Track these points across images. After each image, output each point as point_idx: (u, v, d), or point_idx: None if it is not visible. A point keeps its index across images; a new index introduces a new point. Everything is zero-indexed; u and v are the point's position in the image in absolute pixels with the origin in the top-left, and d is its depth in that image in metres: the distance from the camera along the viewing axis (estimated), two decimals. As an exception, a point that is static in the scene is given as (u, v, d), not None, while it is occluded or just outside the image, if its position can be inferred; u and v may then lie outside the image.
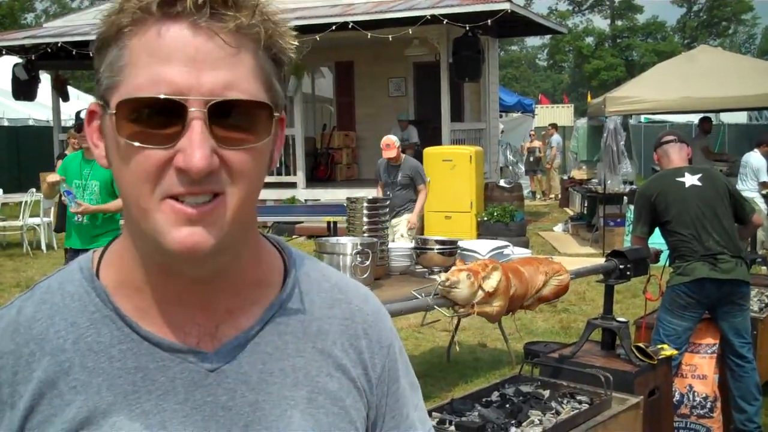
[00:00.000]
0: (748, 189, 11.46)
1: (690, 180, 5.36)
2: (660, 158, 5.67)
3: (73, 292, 1.06)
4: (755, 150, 12.40)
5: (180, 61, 0.93)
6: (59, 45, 16.83)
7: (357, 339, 1.15)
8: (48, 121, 21.60)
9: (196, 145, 0.92)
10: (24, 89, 18.31)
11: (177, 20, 0.94)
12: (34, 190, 14.73)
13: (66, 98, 19.46)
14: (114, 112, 0.95)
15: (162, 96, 0.93)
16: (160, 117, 0.93)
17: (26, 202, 14.46)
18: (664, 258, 5.76)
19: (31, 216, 14.63)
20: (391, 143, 9.53)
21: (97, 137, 1.03)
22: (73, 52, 16.44)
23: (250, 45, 0.98)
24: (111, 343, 1.03)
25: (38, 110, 24.06)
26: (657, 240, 5.56)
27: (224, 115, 0.95)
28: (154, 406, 1.01)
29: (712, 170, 5.78)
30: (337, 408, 1.09)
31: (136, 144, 0.94)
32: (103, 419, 1.00)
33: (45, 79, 19.54)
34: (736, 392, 5.31)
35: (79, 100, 26.13)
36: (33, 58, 17.58)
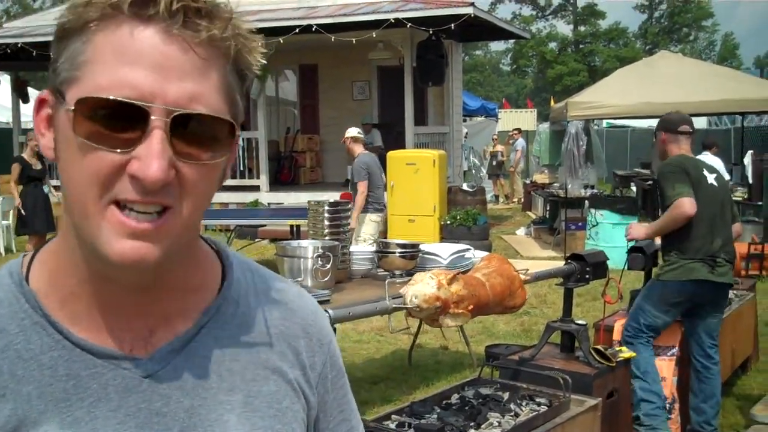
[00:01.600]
0: None
1: (710, 178, 5.34)
2: (667, 143, 5.49)
3: (2, 298, 1.03)
4: (706, 153, 12.63)
5: (147, 66, 0.91)
6: (19, 46, 16.64)
7: (295, 339, 1.15)
8: (8, 123, 21.31)
9: (154, 155, 0.90)
10: (-17, 91, 18.10)
11: (148, 23, 0.91)
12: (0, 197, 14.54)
13: (26, 100, 19.22)
14: (72, 108, 0.91)
15: (126, 100, 0.90)
16: (119, 120, 0.90)
17: (-15, 204, 14.27)
18: (620, 261, 5.82)
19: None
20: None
21: (45, 126, 0.99)
22: (34, 53, 16.25)
23: (219, 58, 0.96)
24: (41, 350, 1.00)
25: (-2, 112, 23.77)
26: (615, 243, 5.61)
27: (185, 127, 0.92)
28: (86, 413, 0.99)
29: (720, 171, 5.72)
30: (274, 410, 1.09)
31: (92, 144, 0.91)
32: (33, 428, 0.97)
33: (5, 81, 19.31)
34: (699, 394, 5.36)
35: (40, 102, 25.85)
36: (-8, 59, 17.38)
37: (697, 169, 5.34)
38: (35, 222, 12.01)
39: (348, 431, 1.22)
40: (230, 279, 1.13)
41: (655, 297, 5.34)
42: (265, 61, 1.03)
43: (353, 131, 10.86)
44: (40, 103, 1.00)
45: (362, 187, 10.41)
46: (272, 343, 1.12)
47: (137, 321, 1.04)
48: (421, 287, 3.55)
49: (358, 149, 10.77)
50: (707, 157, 12.41)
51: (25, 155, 12.18)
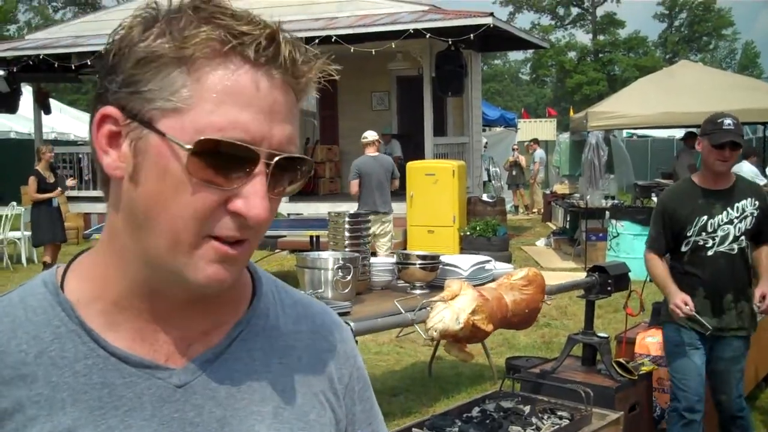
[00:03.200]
0: None
1: None
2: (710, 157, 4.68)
3: (36, 306, 1.04)
4: (745, 161, 12.60)
5: (258, 109, 0.94)
6: (41, 57, 16.75)
7: (322, 353, 1.17)
8: (30, 134, 21.47)
9: (260, 196, 0.94)
10: (5, 102, 18.16)
11: (258, 68, 0.95)
12: (14, 203, 14.64)
13: (48, 111, 19.35)
14: (191, 147, 0.92)
15: (242, 143, 0.93)
16: (230, 160, 0.93)
17: (6, 215, 14.37)
18: (642, 272, 5.78)
19: (11, 230, 14.54)
20: None
21: (107, 143, 0.99)
22: (55, 65, 16.37)
23: (296, 99, 1.01)
24: (76, 357, 1.01)
25: (20, 123, 23.92)
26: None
27: (281, 167, 0.97)
28: (120, 422, 1.00)
29: None
30: (302, 423, 1.10)
31: (204, 183, 0.94)
32: None
33: (27, 92, 19.44)
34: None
35: (62, 113, 26.06)
36: (15, 70, 17.47)
37: None
38: (48, 233, 12.16)
39: None
40: (260, 293, 1.16)
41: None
42: (318, 95, 1.09)
43: (367, 135, 11.86)
44: (104, 119, 0.99)
45: (351, 186, 11.55)
46: (300, 356, 1.15)
47: (177, 333, 1.06)
48: (449, 323, 3.57)
49: (366, 151, 11.69)
50: (746, 165, 12.37)
51: (39, 168, 12.27)
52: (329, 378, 1.16)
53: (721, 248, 4.63)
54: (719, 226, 4.63)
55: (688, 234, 4.67)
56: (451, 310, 3.60)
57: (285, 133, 0.96)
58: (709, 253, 4.64)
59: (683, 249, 4.72)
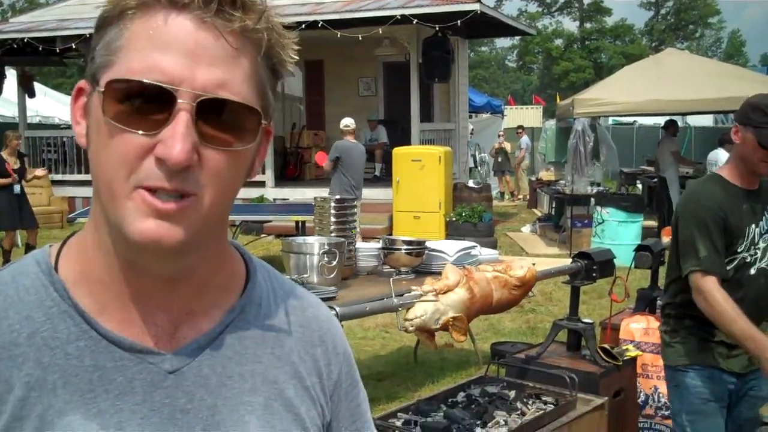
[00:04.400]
0: None
1: None
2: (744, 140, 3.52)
3: (29, 286, 1.03)
4: (720, 148, 12.61)
5: (178, 51, 0.93)
6: (25, 41, 16.63)
7: (313, 347, 1.16)
8: (14, 118, 21.34)
9: (178, 137, 0.91)
10: (-11, 85, 18.10)
11: (182, 11, 0.94)
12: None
13: (32, 95, 19.27)
14: (102, 90, 0.93)
15: (151, 81, 0.92)
16: (148, 103, 0.92)
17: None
18: (627, 259, 5.80)
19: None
20: None
21: (80, 115, 1.01)
22: (40, 48, 16.26)
23: (251, 49, 0.98)
24: (68, 339, 1.00)
25: (4, 106, 23.79)
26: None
27: (212, 113, 0.94)
28: (110, 405, 0.99)
29: None
30: (292, 415, 1.09)
31: (119, 125, 0.92)
32: (58, 417, 0.97)
33: (11, 75, 19.31)
34: None
35: (46, 97, 25.89)
36: (-1, 53, 17.37)
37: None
38: (6, 219, 12.05)
39: None
40: (254, 281, 1.15)
41: None
42: (297, 58, 1.05)
43: (344, 121, 11.93)
44: (78, 92, 1.02)
45: (326, 165, 11.72)
46: (292, 348, 1.13)
47: (162, 314, 1.04)
48: (427, 321, 3.59)
49: (346, 137, 11.81)
50: (722, 153, 12.40)
51: (4, 153, 12.17)
52: (318, 373, 1.15)
53: (763, 263, 3.58)
54: (761, 235, 3.59)
55: (739, 249, 3.53)
56: (435, 308, 3.61)
57: (212, 77, 0.94)
58: (752, 271, 3.56)
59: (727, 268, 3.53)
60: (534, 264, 4.35)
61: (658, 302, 5.57)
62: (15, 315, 1.01)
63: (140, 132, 0.92)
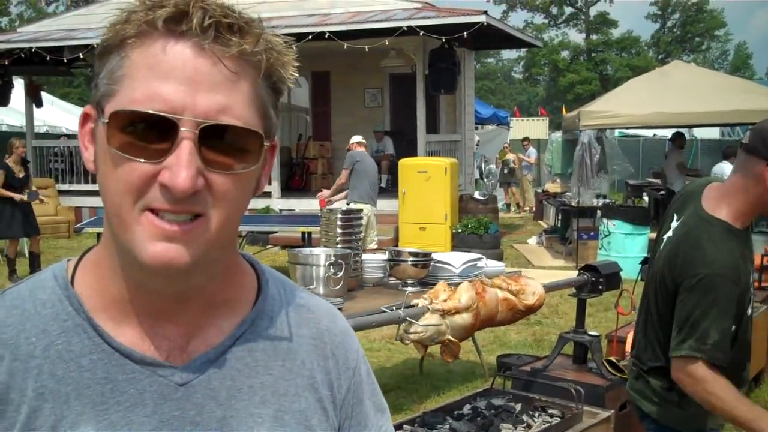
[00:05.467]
0: None
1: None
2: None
3: (45, 300, 1.05)
4: (725, 161, 12.58)
5: (178, 79, 0.94)
6: (33, 50, 16.69)
7: (325, 359, 1.16)
8: (21, 127, 21.41)
9: (183, 165, 0.93)
10: (-3, 94, 18.15)
11: (180, 39, 0.95)
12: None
13: (39, 104, 19.31)
14: (107, 121, 0.95)
15: (154, 112, 0.93)
16: (151, 132, 0.94)
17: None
18: (633, 271, 5.78)
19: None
20: None
21: (88, 140, 1.03)
22: (47, 58, 16.31)
23: (250, 72, 0.99)
24: (81, 352, 1.02)
25: (11, 116, 23.85)
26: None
27: (215, 138, 0.96)
28: (121, 417, 1.00)
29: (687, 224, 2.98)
30: (303, 428, 1.10)
31: (124, 155, 0.94)
32: (71, 429, 0.99)
33: (18, 85, 19.38)
34: None
35: (53, 107, 25.95)
36: (6, 63, 17.40)
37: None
38: (12, 228, 12.05)
39: None
40: (265, 294, 1.15)
41: None
42: (296, 75, 1.06)
43: (356, 138, 12.20)
44: (85, 117, 1.03)
45: (342, 174, 11.80)
46: (304, 361, 1.14)
47: (173, 329, 1.06)
48: (425, 339, 3.62)
49: (357, 149, 11.98)
50: (727, 167, 12.36)
51: (9, 161, 12.18)
52: (330, 386, 1.15)
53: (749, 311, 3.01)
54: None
55: (749, 311, 2.99)
56: (437, 330, 3.63)
57: (212, 102, 0.95)
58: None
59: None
60: (541, 283, 4.36)
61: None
62: (32, 328, 1.03)
63: (144, 161, 0.94)
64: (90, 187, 17.59)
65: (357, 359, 1.22)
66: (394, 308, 3.71)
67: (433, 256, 5.27)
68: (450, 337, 3.67)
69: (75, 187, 18.28)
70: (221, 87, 0.96)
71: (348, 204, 11.00)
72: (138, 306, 1.04)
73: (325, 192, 12.27)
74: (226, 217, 0.99)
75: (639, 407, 3.18)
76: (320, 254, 4.72)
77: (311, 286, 4.56)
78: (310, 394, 1.12)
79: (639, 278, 5.54)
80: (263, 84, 1.01)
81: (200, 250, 0.97)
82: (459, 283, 4.06)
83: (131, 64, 0.96)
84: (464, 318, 3.72)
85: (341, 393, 1.17)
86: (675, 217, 3.05)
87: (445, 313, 3.64)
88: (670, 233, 3.03)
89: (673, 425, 3.12)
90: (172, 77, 0.94)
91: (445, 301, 3.71)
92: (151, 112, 0.93)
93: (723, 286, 2.81)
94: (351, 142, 12.10)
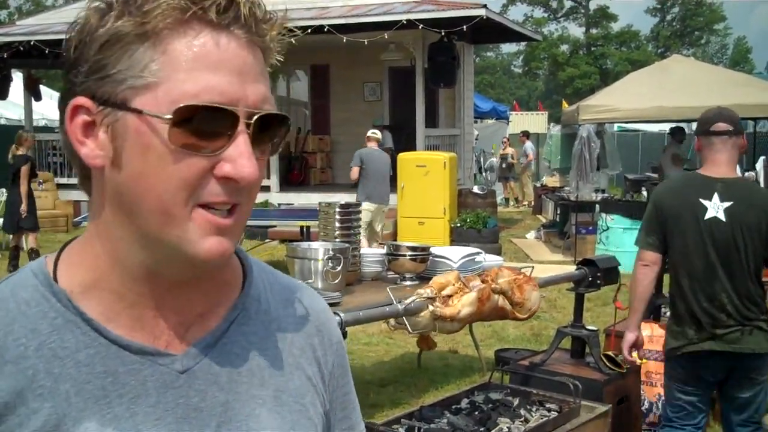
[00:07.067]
0: None
1: (713, 210, 4.03)
2: (702, 150, 4.17)
3: (29, 299, 1.03)
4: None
5: (229, 71, 0.94)
6: (32, 43, 16.67)
7: (310, 337, 1.18)
8: (20, 121, 21.38)
9: (246, 156, 0.94)
10: (-5, 88, 18.12)
11: (223, 30, 0.95)
12: (4, 189, 14.56)
13: (38, 98, 19.29)
14: (169, 116, 0.92)
15: (219, 105, 0.93)
16: (209, 125, 0.93)
17: (-3, 201, 14.32)
18: (631, 266, 5.78)
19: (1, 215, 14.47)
20: None
21: (82, 134, 0.98)
22: (46, 51, 16.28)
23: (264, 60, 1.01)
24: (77, 347, 1.00)
25: (10, 109, 23.83)
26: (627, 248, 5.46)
27: (261, 127, 0.97)
28: (125, 410, 0.99)
29: (752, 192, 4.18)
30: (299, 405, 1.12)
31: (185, 151, 0.94)
32: (74, 426, 0.97)
33: (17, 78, 19.35)
34: None
35: (52, 100, 25.91)
36: (5, 56, 17.38)
37: (686, 201, 4.11)
38: (33, 219, 12.13)
39: (349, 428, 1.25)
40: (251, 277, 1.16)
41: (665, 373, 4.40)
42: (277, 62, 1.07)
43: (369, 131, 12.88)
44: (75, 110, 0.98)
45: (351, 173, 12.45)
46: (293, 340, 1.16)
47: (174, 317, 1.05)
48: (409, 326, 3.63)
49: (368, 144, 12.58)
50: None
51: (20, 152, 12.20)
52: (317, 363, 1.17)
53: None
54: None
55: None
56: (426, 325, 3.66)
57: (259, 93, 0.97)
58: None
59: None
60: (533, 267, 4.37)
61: (663, 310, 5.56)
62: (20, 329, 1.01)
63: (206, 154, 0.94)
64: (89, 180, 17.54)
65: (338, 334, 1.25)
66: (396, 302, 3.71)
67: (432, 250, 5.26)
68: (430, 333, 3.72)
69: (73, 180, 18.03)
70: (261, 77, 0.99)
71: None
72: (140, 298, 1.03)
73: None
74: (253, 203, 1.02)
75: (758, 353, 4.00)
76: (318, 248, 4.72)
77: (309, 281, 4.56)
78: (302, 372, 1.14)
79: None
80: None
81: (237, 239, 1.01)
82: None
83: (173, 56, 0.94)
84: (453, 326, 3.74)
85: (328, 368, 1.19)
86: (713, 198, 4.02)
87: (437, 317, 3.64)
88: (727, 204, 3.98)
89: None
90: (223, 69, 0.94)
91: (446, 301, 3.70)
92: (216, 105, 0.93)
93: None
94: (369, 133, 12.82)
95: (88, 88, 0.97)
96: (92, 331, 1.01)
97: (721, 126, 4.08)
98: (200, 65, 0.94)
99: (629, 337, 4.32)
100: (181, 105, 0.92)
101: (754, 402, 4.12)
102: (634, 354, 4.41)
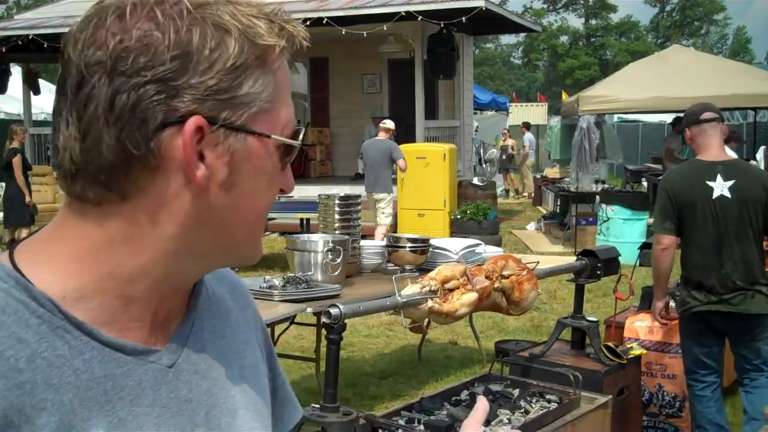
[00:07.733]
0: None
1: (720, 188, 4.60)
2: (695, 139, 4.82)
3: (3, 306, 0.94)
4: (725, 146, 12.55)
5: (290, 98, 1.05)
6: (30, 37, 16.64)
7: (244, 310, 1.23)
8: (19, 115, 21.36)
9: (289, 171, 1.06)
10: (-6, 82, 18.10)
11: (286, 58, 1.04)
12: (3, 184, 14.56)
13: (37, 92, 19.25)
14: (299, 143, 1.03)
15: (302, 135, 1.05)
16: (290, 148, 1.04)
17: (-6, 195, 14.32)
18: (632, 257, 5.78)
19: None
20: None
21: (197, 156, 0.95)
22: (45, 45, 16.26)
23: None
24: (71, 354, 0.95)
25: (9, 103, 23.81)
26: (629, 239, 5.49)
27: None
28: (128, 412, 0.97)
29: (749, 171, 4.97)
30: (258, 378, 1.17)
31: (281, 173, 1.04)
32: None
33: (16, 72, 19.32)
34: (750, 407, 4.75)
35: (51, 94, 25.89)
36: (4, 50, 17.35)
37: (695, 185, 4.67)
38: (26, 213, 12.17)
39: (278, 374, 1.29)
40: None
41: (681, 332, 4.96)
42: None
43: (384, 122, 13.04)
44: (198, 131, 0.94)
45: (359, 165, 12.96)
46: (237, 317, 1.20)
47: (165, 314, 1.05)
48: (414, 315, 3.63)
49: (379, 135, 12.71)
50: (728, 152, 12.34)
51: (15, 145, 12.19)
52: (255, 331, 1.23)
53: None
54: None
55: None
56: (419, 315, 3.66)
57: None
58: None
59: None
60: (537, 263, 4.35)
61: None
62: (5, 339, 0.92)
63: (284, 173, 1.05)
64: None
65: (252, 299, 1.30)
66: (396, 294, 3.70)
67: (432, 242, 5.27)
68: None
69: (73, 174, 18.26)
70: None
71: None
72: (150, 301, 1.01)
73: None
74: None
75: (759, 314, 4.56)
76: (318, 240, 4.72)
77: (309, 273, 4.56)
78: (252, 346, 1.20)
79: (637, 263, 5.55)
80: None
81: None
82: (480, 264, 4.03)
83: (278, 85, 1.01)
84: (448, 320, 3.73)
85: (259, 336, 1.24)
86: (717, 179, 4.59)
87: (444, 315, 3.63)
88: (731, 183, 4.56)
89: None
90: (289, 97, 1.04)
91: (446, 296, 3.68)
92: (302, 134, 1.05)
93: None
94: (380, 123, 13.02)
95: (207, 108, 0.94)
96: (84, 335, 0.96)
97: (709, 114, 4.78)
98: (287, 94, 1.03)
99: (658, 304, 5.02)
100: (294, 129, 1.03)
101: (761, 350, 4.65)
102: (663, 319, 5.08)
